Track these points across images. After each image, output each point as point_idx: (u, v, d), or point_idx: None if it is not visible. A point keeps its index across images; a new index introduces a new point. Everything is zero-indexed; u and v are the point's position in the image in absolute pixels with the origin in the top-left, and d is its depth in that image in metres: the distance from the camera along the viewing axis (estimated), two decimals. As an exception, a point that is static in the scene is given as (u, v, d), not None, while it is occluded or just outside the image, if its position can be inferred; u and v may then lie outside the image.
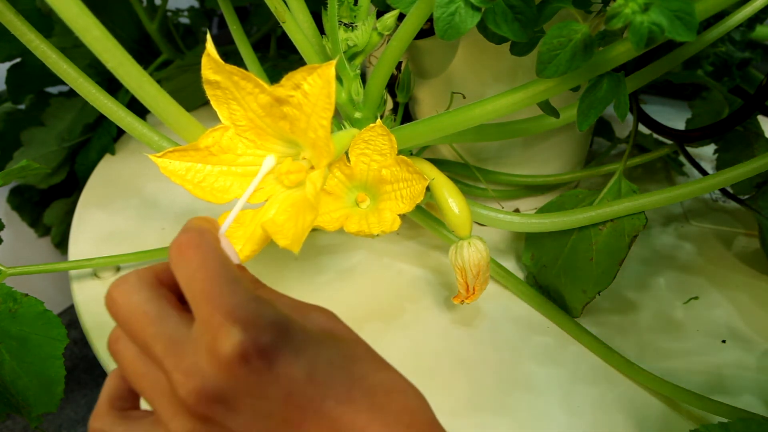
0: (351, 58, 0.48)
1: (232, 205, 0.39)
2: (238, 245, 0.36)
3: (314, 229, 0.44)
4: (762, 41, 0.67)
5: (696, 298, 0.56)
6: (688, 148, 0.62)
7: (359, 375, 0.27)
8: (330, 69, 0.32)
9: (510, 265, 0.58)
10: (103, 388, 0.30)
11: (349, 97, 0.48)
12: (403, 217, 0.45)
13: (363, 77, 0.49)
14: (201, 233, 0.29)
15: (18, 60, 0.80)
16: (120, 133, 0.79)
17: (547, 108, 0.46)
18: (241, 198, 0.34)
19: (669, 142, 0.64)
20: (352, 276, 0.58)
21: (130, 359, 0.28)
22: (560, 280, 0.52)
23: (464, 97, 0.55)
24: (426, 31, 0.48)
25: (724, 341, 0.52)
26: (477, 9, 0.37)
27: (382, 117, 0.50)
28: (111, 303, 0.28)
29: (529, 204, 0.65)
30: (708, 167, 0.70)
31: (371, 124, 0.44)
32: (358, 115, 0.49)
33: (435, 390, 0.48)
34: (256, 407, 0.25)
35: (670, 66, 0.49)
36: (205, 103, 0.41)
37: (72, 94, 0.54)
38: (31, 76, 0.82)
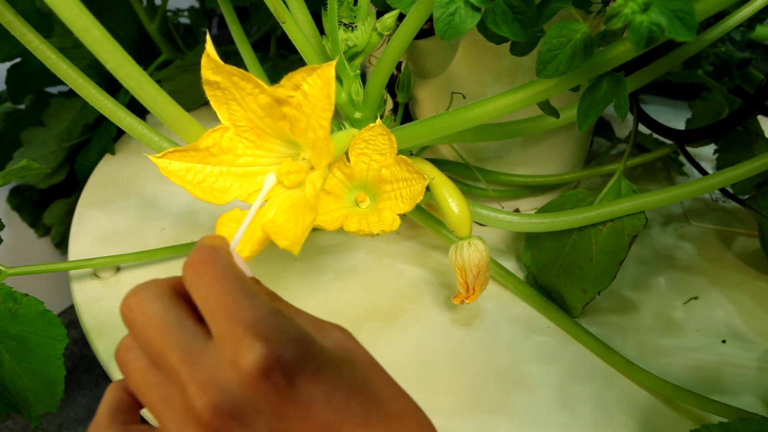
0: (351, 58, 0.48)
1: (231, 206, 0.39)
2: (238, 246, 0.36)
3: (314, 229, 0.44)
4: (762, 41, 0.67)
5: (696, 298, 0.56)
6: (688, 148, 0.62)
7: (376, 399, 0.27)
8: (330, 70, 0.32)
9: (510, 265, 0.58)
10: (103, 400, 0.29)
11: (349, 97, 0.48)
12: (403, 217, 0.45)
13: (363, 77, 0.49)
14: (215, 250, 0.29)
15: (18, 60, 0.80)
16: (120, 133, 0.79)
17: (547, 108, 0.46)
18: (246, 216, 0.34)
19: (669, 142, 0.64)
20: (352, 276, 0.58)
21: (141, 369, 0.27)
22: (560, 279, 0.52)
23: (464, 97, 0.55)
24: (426, 31, 0.48)
25: (724, 341, 0.52)
26: (477, 9, 0.37)
27: (382, 117, 0.50)
28: (128, 311, 0.28)
29: (529, 204, 0.65)
30: (708, 167, 0.70)
31: (371, 124, 0.44)
32: (358, 115, 0.49)
33: (435, 390, 0.48)
34: (272, 426, 0.25)
35: (670, 66, 0.49)
36: (205, 103, 0.41)
37: (72, 94, 0.54)
38: (31, 76, 0.81)
